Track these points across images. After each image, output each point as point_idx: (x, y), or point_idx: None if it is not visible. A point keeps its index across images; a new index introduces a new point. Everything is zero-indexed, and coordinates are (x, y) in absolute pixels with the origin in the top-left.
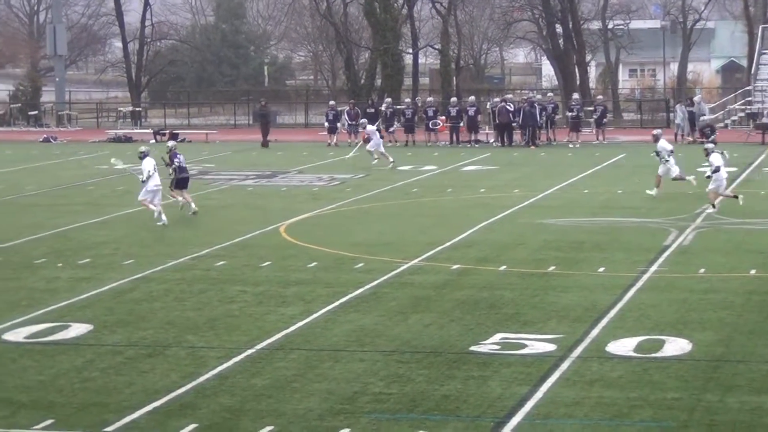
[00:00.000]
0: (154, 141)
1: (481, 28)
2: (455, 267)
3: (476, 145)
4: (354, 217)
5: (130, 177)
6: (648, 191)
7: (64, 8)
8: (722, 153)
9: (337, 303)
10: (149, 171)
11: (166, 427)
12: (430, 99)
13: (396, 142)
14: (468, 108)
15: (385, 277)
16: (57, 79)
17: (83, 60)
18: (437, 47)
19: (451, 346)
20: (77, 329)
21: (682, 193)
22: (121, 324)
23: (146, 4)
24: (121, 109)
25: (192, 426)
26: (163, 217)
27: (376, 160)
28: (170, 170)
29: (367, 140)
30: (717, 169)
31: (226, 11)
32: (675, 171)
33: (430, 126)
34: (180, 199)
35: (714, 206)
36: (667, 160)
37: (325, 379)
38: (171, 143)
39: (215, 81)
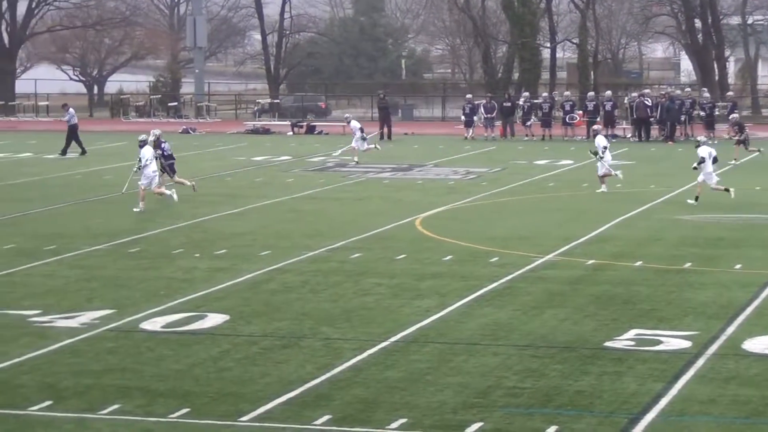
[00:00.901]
0: (291, 133)
1: (619, 23)
2: (590, 262)
3: (613, 140)
4: (489, 211)
5: (268, 168)
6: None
7: (204, 0)
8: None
9: (471, 296)
10: (147, 159)
11: (301, 418)
12: (567, 93)
13: (533, 136)
14: (605, 102)
15: (520, 272)
16: (197, 71)
17: (223, 52)
18: (575, 41)
19: (585, 342)
20: (214, 319)
21: None
22: (256, 315)
23: None
24: (260, 101)
25: (326, 417)
26: (175, 197)
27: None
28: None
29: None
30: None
31: (365, 4)
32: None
33: (567, 120)
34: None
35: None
36: (601, 157)
37: (459, 372)
38: (157, 131)
39: (353, 74)
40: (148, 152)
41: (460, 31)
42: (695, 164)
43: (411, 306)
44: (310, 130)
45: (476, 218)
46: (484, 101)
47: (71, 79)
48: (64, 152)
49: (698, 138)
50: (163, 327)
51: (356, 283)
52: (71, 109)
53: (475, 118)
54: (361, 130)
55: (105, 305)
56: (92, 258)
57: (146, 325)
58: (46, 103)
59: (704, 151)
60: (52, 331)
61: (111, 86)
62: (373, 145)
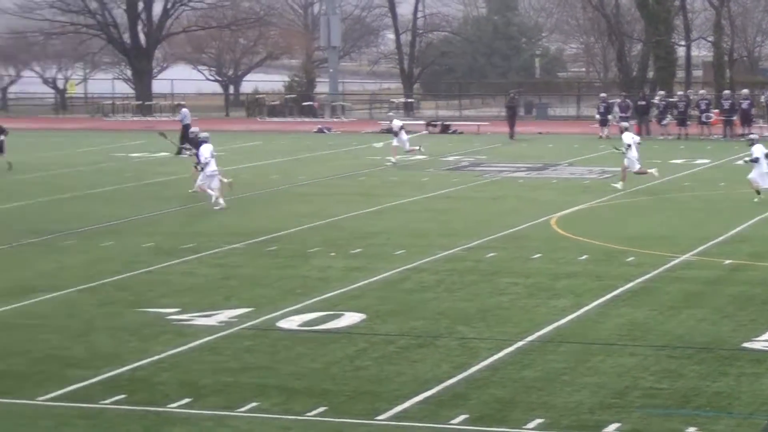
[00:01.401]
0: (425, 132)
1: (754, 20)
2: (728, 262)
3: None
4: (625, 211)
5: (404, 167)
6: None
7: (338, 0)
8: None
9: (607, 296)
10: (206, 157)
11: (437, 417)
12: (702, 92)
13: (669, 135)
14: (741, 101)
15: (657, 271)
16: (331, 71)
17: (356, 51)
18: (710, 39)
19: (723, 343)
20: (350, 318)
21: None
22: (392, 314)
23: None
24: (394, 100)
25: (462, 416)
26: (221, 201)
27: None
28: (192, 151)
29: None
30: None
31: (499, 3)
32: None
33: (703, 119)
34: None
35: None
36: (623, 152)
37: (596, 372)
38: (196, 129)
39: (487, 73)
40: (206, 150)
41: (594, 30)
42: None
43: (547, 306)
44: (445, 129)
45: (611, 217)
46: (618, 100)
47: (207, 79)
48: (178, 152)
49: (750, 135)
50: (299, 325)
51: (492, 282)
52: (184, 109)
53: (609, 116)
54: (402, 128)
55: (243, 304)
56: (230, 256)
57: (283, 324)
58: (183, 102)
59: (759, 150)
60: (190, 329)
61: (246, 86)
62: (417, 147)
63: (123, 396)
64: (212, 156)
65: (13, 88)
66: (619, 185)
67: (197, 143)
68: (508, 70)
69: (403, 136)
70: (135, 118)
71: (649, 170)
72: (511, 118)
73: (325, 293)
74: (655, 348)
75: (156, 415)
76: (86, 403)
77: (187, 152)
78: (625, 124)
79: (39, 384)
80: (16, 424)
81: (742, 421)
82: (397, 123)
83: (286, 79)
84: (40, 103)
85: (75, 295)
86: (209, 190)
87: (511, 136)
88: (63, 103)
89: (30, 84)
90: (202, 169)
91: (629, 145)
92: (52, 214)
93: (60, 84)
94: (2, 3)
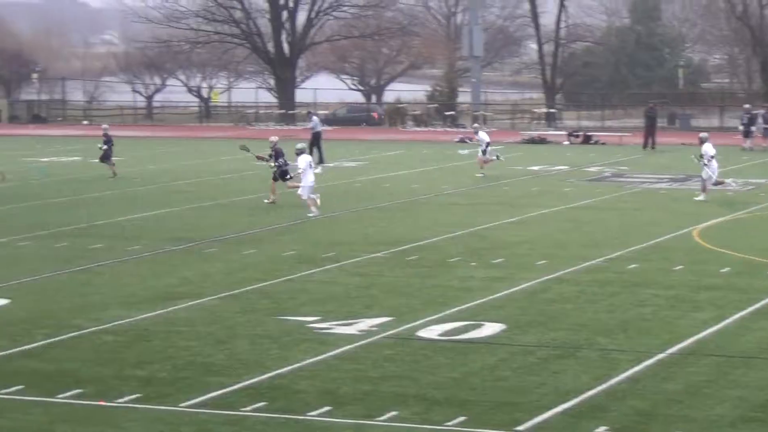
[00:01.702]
0: (567, 143)
1: None
2: None
3: None
4: None
5: (545, 178)
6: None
7: (481, 10)
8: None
9: (750, 309)
10: (303, 168)
11: (577, 429)
12: None
13: None
14: None
15: None
16: (473, 80)
17: (499, 61)
18: None
19: None
20: (490, 328)
21: None
22: (533, 324)
23: (561, 6)
24: (536, 110)
25: (602, 428)
26: (314, 210)
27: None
28: (272, 164)
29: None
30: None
31: (642, 13)
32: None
33: None
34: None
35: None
36: (705, 163)
37: (738, 386)
38: (274, 138)
39: (629, 83)
40: (303, 161)
41: (738, 40)
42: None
43: (688, 318)
44: (587, 139)
45: (755, 230)
46: (762, 111)
47: (350, 88)
48: (320, 161)
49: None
50: (440, 335)
51: (633, 293)
52: (315, 117)
53: (753, 128)
54: (488, 144)
55: (383, 312)
56: (371, 265)
57: (423, 333)
58: (326, 112)
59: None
60: (331, 338)
61: (389, 95)
62: (494, 157)
63: (264, 403)
64: (309, 167)
65: (158, 97)
66: (702, 197)
67: (279, 153)
68: (651, 81)
69: (486, 146)
70: (278, 127)
71: (725, 180)
72: (650, 128)
73: (465, 303)
74: None
75: (296, 423)
76: (228, 410)
77: (267, 161)
78: (704, 134)
79: (181, 390)
80: (160, 430)
81: None
82: (483, 135)
83: (429, 88)
84: (184, 112)
85: (217, 303)
86: (309, 198)
87: (646, 146)
88: (207, 112)
89: (175, 93)
90: (289, 178)
91: (712, 157)
92: (195, 221)
93: (204, 93)
94: (149, 12)
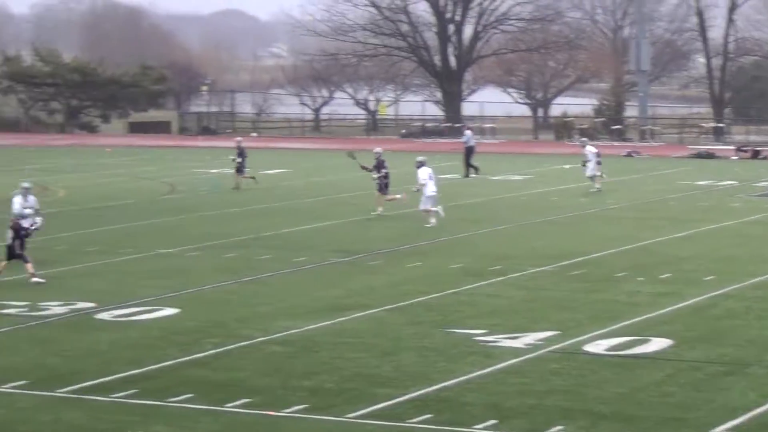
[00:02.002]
0: (735, 158)
1: None
2: None
3: None
4: None
5: (713, 193)
6: None
7: (648, 24)
8: None
9: None
10: (423, 179)
11: None
12: None
13: None
14: None
15: None
16: (640, 94)
17: (666, 75)
18: None
19: None
20: (657, 344)
21: None
22: (701, 340)
23: (729, 20)
24: (704, 124)
25: None
26: (433, 220)
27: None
28: (375, 175)
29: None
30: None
31: None
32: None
33: None
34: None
35: None
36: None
37: None
38: (379, 149)
39: None
40: (424, 173)
41: None
42: None
43: None
44: (755, 154)
45: None
46: None
47: (516, 101)
48: (466, 174)
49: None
50: (606, 350)
51: None
52: (468, 131)
53: None
54: (597, 155)
55: (549, 326)
56: (537, 279)
57: (590, 348)
58: (492, 125)
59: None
60: (496, 351)
61: (555, 109)
62: (599, 173)
63: (430, 416)
64: (430, 178)
65: (325, 109)
66: None
67: (381, 165)
68: None
69: (593, 162)
70: (442, 140)
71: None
72: None
73: (632, 318)
74: None
75: None
76: (394, 421)
77: (370, 171)
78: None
79: (348, 401)
80: None
81: None
82: (590, 149)
83: (595, 102)
84: (352, 125)
85: (383, 314)
86: (430, 210)
87: None
88: (374, 125)
89: (342, 105)
90: (419, 189)
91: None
92: (360, 234)
93: (371, 105)
94: (317, 26)
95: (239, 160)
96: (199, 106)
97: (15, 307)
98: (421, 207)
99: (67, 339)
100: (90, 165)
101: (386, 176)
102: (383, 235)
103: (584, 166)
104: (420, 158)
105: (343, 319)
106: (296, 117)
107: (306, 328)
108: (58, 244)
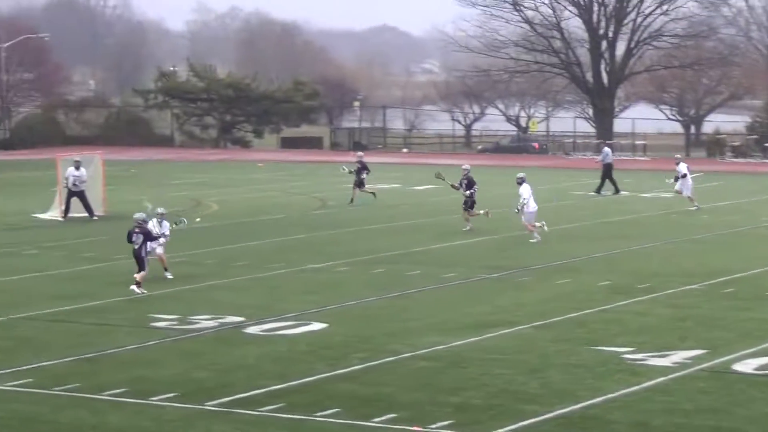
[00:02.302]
0: None
1: None
2: None
3: None
4: None
5: None
6: None
7: None
8: None
9: None
10: (525, 197)
11: None
12: None
13: None
14: None
15: None
16: None
17: None
18: None
19: None
20: None
21: None
22: None
23: None
24: None
25: None
26: (537, 235)
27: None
28: (465, 192)
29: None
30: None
31: None
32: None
33: None
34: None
35: None
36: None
37: None
38: (467, 166)
39: None
40: (526, 190)
41: None
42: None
43: None
44: None
45: None
46: None
47: (668, 118)
48: (598, 191)
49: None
50: (755, 369)
51: None
52: (606, 149)
53: None
54: (686, 173)
55: (698, 345)
56: (686, 297)
57: (738, 367)
58: (644, 142)
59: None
60: (644, 369)
61: (708, 126)
62: (688, 193)
63: None
64: (530, 195)
65: (476, 125)
66: None
67: (471, 182)
68: None
69: (688, 181)
70: (594, 157)
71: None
72: None
73: None
74: None
75: None
76: None
77: (458, 189)
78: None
79: (495, 418)
80: None
81: None
82: (683, 166)
83: (748, 119)
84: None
85: (531, 331)
86: (534, 226)
87: None
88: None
89: (493, 121)
90: (518, 210)
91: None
92: (510, 250)
93: (522, 122)
94: (469, 41)
95: (364, 175)
96: (350, 121)
97: (165, 320)
98: (525, 222)
99: (216, 352)
100: (242, 180)
101: (473, 194)
102: (534, 252)
103: (674, 182)
104: (520, 175)
105: (491, 335)
106: (447, 133)
107: (454, 344)
108: (209, 258)
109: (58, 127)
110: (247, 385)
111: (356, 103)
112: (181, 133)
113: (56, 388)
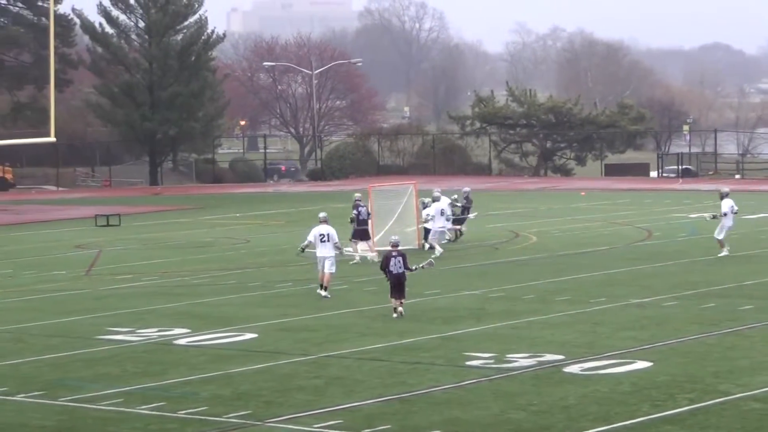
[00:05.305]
0: None
1: None
2: None
3: None
4: None
5: None
6: None
7: None
8: None
9: None
10: (726, 209)
11: None
12: None
13: None
14: None
15: None
16: None
17: None
18: None
19: None
20: None
21: None
22: None
23: None
24: None
25: None
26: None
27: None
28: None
29: None
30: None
31: None
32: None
33: None
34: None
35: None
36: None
37: None
38: (725, 189)
39: None
40: (726, 205)
41: None
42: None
43: None
44: None
45: None
46: None
47: None
48: None
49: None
50: None
51: None
52: None
53: None
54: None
55: None
56: None
57: None
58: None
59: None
60: None
61: None
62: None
63: None
64: (732, 210)
65: None
66: None
67: None
68: None
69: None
70: None
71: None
72: None
73: None
74: None
75: None
76: None
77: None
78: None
79: None
80: None
81: None
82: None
83: None
84: None
85: None
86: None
87: None
88: None
89: None
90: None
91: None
92: None
93: None
94: None
95: (473, 216)
96: (679, 146)
97: (481, 359)
98: (717, 236)
99: (533, 392)
100: (563, 209)
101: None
102: None
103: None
104: (724, 189)
105: None
106: None
107: None
108: (528, 293)
109: (371, 157)
110: (566, 426)
111: (686, 127)
112: (500, 160)
113: (366, 430)
